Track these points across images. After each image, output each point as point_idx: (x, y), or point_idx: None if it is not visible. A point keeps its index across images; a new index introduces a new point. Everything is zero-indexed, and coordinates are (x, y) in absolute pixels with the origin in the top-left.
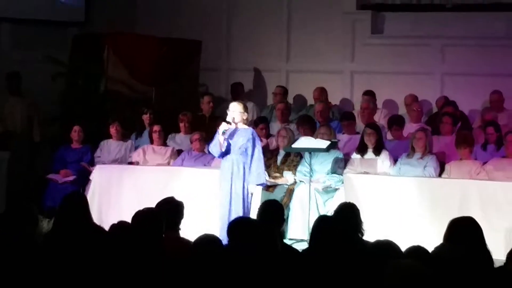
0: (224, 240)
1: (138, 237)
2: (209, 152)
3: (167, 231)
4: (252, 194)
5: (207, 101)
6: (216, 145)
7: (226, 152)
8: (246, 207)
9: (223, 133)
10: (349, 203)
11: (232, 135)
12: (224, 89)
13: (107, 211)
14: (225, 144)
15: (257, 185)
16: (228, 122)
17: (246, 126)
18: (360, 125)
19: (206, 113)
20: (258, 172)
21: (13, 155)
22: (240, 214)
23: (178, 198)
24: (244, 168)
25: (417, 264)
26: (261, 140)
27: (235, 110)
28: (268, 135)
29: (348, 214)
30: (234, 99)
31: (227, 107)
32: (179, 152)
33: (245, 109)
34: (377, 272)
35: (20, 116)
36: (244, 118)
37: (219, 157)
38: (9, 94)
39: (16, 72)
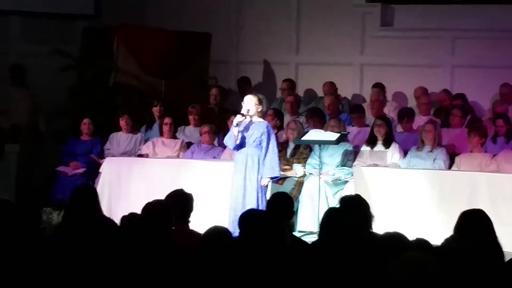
0: (235, 232)
1: (147, 229)
2: (219, 144)
3: (176, 224)
4: (266, 186)
5: (212, 94)
6: (230, 137)
7: (241, 145)
8: (260, 199)
9: (237, 125)
10: (354, 195)
11: (247, 128)
12: (233, 81)
13: (117, 203)
14: (239, 136)
15: (271, 178)
16: (243, 114)
17: (261, 119)
18: (369, 117)
19: (212, 106)
20: (272, 165)
21: (22, 148)
22: (254, 206)
23: (187, 190)
24: (258, 161)
25: (427, 256)
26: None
27: (250, 103)
28: (280, 127)
29: (356, 206)
30: (241, 93)
31: (236, 100)
32: (189, 144)
33: (260, 102)
34: (386, 264)
35: (25, 108)
36: (259, 110)
37: (234, 149)
38: (13, 86)
39: (19, 64)
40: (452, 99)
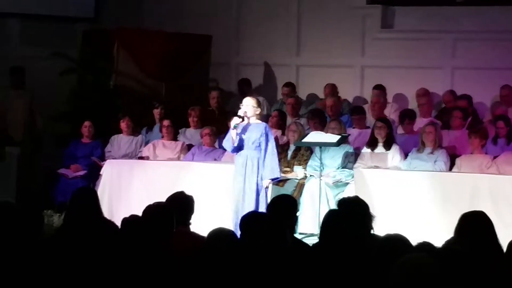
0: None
1: (148, 232)
2: (219, 146)
3: (177, 226)
4: (267, 188)
5: (213, 96)
6: (228, 140)
7: (240, 147)
8: (259, 201)
9: (235, 127)
10: (352, 196)
11: (245, 130)
12: (234, 84)
13: (118, 205)
14: (237, 138)
15: (271, 179)
16: (240, 116)
17: (259, 121)
18: (370, 119)
19: (213, 108)
20: (272, 166)
21: (22, 150)
22: (253, 209)
23: (188, 192)
24: (258, 163)
25: (428, 258)
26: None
27: (248, 105)
28: (281, 126)
29: (355, 207)
30: (242, 95)
31: (237, 102)
32: (189, 146)
33: (258, 104)
34: (387, 266)
35: (23, 109)
36: (257, 113)
37: (232, 152)
38: (13, 88)
39: (20, 66)
40: (453, 101)
